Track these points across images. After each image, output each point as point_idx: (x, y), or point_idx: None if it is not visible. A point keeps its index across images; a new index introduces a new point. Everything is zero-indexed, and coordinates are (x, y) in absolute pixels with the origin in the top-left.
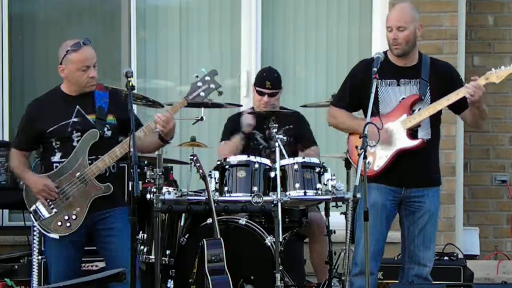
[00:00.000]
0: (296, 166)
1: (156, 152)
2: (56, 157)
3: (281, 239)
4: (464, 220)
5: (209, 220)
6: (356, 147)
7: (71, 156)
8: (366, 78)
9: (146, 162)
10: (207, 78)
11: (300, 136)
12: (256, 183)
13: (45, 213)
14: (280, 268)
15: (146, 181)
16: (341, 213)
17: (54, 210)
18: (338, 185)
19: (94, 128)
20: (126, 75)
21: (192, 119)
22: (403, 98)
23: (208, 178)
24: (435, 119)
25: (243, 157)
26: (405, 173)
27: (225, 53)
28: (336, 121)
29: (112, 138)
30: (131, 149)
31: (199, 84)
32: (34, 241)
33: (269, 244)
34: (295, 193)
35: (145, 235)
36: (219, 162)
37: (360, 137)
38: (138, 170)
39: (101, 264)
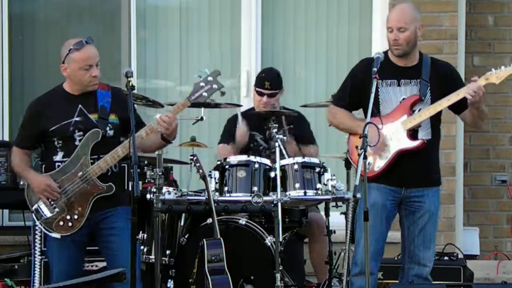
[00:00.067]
0: (296, 166)
1: (156, 152)
2: (58, 156)
3: (281, 239)
4: (464, 220)
5: (209, 220)
6: (356, 147)
7: (73, 156)
8: (367, 78)
9: (146, 162)
10: (210, 78)
11: (300, 135)
12: (256, 183)
13: (47, 212)
14: (280, 268)
15: (146, 181)
16: (341, 213)
17: (56, 209)
18: (338, 185)
19: (96, 127)
20: (126, 75)
21: (192, 119)
22: (403, 99)
23: (208, 178)
24: (435, 119)
25: (243, 157)
26: (405, 173)
27: (225, 53)
28: (336, 120)
29: (114, 138)
30: (131, 149)
31: (202, 84)
32: (36, 241)
33: (269, 244)
34: (295, 193)
35: (145, 235)
36: (219, 162)
37: (360, 137)
38: (138, 170)
39: (101, 264)
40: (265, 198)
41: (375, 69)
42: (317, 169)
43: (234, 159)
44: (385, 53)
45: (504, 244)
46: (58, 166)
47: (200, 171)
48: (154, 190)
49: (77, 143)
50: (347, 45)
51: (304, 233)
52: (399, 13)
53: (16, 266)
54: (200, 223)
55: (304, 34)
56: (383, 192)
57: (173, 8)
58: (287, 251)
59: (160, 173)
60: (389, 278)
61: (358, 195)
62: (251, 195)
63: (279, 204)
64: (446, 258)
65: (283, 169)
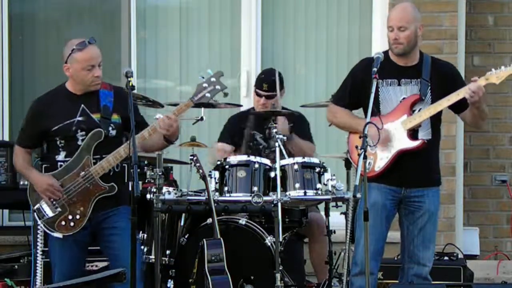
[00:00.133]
0: (296, 166)
1: (156, 152)
2: (61, 156)
3: (281, 239)
4: (464, 220)
5: (209, 220)
6: (356, 147)
7: (76, 155)
8: (367, 78)
9: (146, 162)
10: (213, 79)
11: (298, 133)
12: (256, 183)
13: (49, 212)
14: (280, 268)
15: (146, 181)
16: (341, 213)
17: (58, 209)
18: (338, 185)
19: (99, 127)
20: (126, 75)
21: (192, 119)
22: (403, 98)
23: (208, 178)
24: (436, 119)
25: (243, 157)
26: (405, 173)
27: (225, 53)
28: (336, 119)
29: (117, 138)
30: (131, 149)
31: (205, 85)
32: (38, 240)
33: (269, 244)
34: (295, 193)
35: (145, 235)
36: (219, 162)
37: (360, 137)
38: (138, 170)
39: (101, 264)
40: (265, 198)
41: (375, 69)
42: (317, 169)
43: (234, 159)
44: (386, 52)
45: (504, 244)
46: (60, 165)
47: (200, 171)
48: (154, 190)
49: (79, 142)
50: (347, 45)
51: (304, 233)
52: (399, 13)
53: (16, 266)
54: (200, 223)
55: (304, 34)
56: (383, 192)
57: (173, 8)
58: (287, 251)
59: (160, 173)
60: (389, 278)
61: (358, 195)
62: (251, 195)
63: (279, 204)
64: (446, 258)
65: (283, 169)
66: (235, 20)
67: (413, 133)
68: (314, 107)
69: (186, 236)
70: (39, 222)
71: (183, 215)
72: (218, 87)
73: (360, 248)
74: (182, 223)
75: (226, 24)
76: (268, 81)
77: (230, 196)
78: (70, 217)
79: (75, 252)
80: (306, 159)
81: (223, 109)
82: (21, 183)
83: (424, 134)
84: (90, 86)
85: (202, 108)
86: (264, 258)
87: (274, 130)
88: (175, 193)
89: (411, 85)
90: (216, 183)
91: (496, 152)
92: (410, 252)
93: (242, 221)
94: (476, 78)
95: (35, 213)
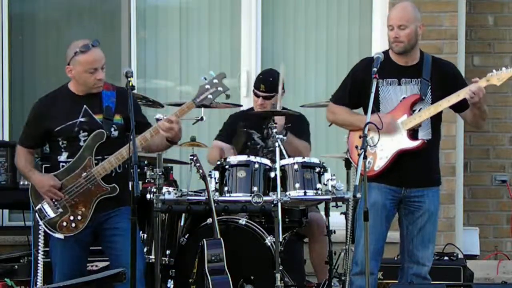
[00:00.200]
0: (296, 166)
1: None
2: (63, 157)
3: (281, 239)
4: (464, 220)
5: (209, 220)
6: (356, 147)
7: (78, 156)
8: (367, 78)
9: (146, 162)
10: (215, 81)
11: (295, 132)
12: (256, 183)
13: (50, 212)
14: (280, 268)
15: (146, 181)
16: (341, 213)
17: (60, 210)
18: (338, 185)
19: (101, 128)
20: (126, 75)
21: (192, 119)
22: (404, 98)
23: (208, 178)
24: (436, 119)
25: (243, 157)
26: (405, 173)
27: (225, 53)
28: (336, 118)
29: (119, 138)
30: (131, 149)
31: (207, 86)
32: (39, 241)
33: (269, 244)
34: (295, 193)
35: (145, 235)
36: (219, 162)
37: (360, 137)
38: (138, 170)
39: (101, 264)
40: (265, 198)
41: (375, 69)
42: (317, 169)
43: (234, 159)
44: (386, 52)
45: (504, 244)
46: (62, 166)
47: (200, 171)
48: (154, 190)
49: (81, 143)
50: (347, 45)
51: (304, 233)
52: (400, 11)
53: (16, 266)
54: (200, 223)
55: (304, 34)
56: (383, 192)
57: (173, 8)
58: (287, 251)
59: (160, 173)
60: (389, 278)
61: (358, 195)
62: (251, 195)
63: (279, 204)
64: (446, 258)
65: (283, 169)
66: (235, 20)
67: (413, 133)
68: (313, 107)
69: (186, 236)
70: (40, 222)
71: (183, 215)
72: (220, 88)
73: (360, 248)
74: (182, 223)
75: (226, 24)
76: (265, 82)
77: (230, 196)
78: (71, 218)
79: (77, 252)
80: (306, 159)
81: (223, 109)
82: (21, 183)
83: (424, 134)
84: (93, 88)
85: (202, 108)
86: (264, 258)
87: (274, 130)
88: (175, 193)
89: (412, 84)
90: (216, 183)
91: (496, 152)
92: (409, 252)
93: (242, 221)
94: (477, 79)
95: (36, 214)
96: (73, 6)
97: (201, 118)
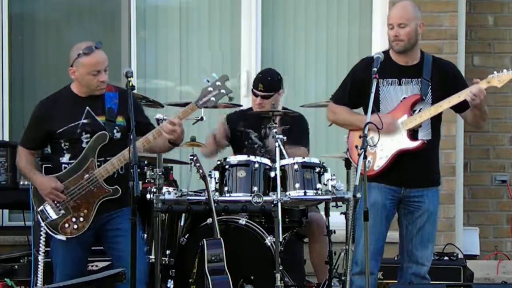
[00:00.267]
0: (296, 166)
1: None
2: (65, 158)
3: (281, 239)
4: (464, 220)
5: (209, 220)
6: (356, 146)
7: (80, 158)
8: (367, 77)
9: (146, 162)
10: (218, 83)
11: (291, 134)
12: (256, 183)
13: (52, 214)
14: (280, 268)
15: (146, 181)
16: (341, 213)
17: (62, 211)
18: (338, 185)
19: (103, 130)
20: (126, 75)
21: (192, 119)
22: (404, 98)
23: (208, 178)
24: (436, 119)
25: (243, 157)
26: (405, 173)
27: (225, 53)
28: (336, 117)
29: (121, 140)
30: (131, 149)
31: (210, 89)
32: (40, 241)
33: (269, 244)
34: (295, 193)
35: (145, 235)
36: (219, 162)
37: (360, 137)
38: (138, 170)
39: (101, 264)
40: (265, 198)
41: (375, 69)
42: (317, 169)
43: (234, 159)
44: (387, 52)
45: (504, 244)
46: (65, 167)
47: (200, 171)
48: (154, 190)
49: (84, 145)
50: (347, 45)
51: (304, 233)
52: (400, 10)
53: (16, 266)
54: (200, 223)
55: (304, 34)
56: (383, 192)
57: (173, 8)
58: (287, 251)
59: (160, 173)
60: (389, 278)
61: (358, 195)
62: (251, 195)
63: (279, 204)
64: (446, 258)
65: (283, 169)
66: (235, 20)
67: (413, 133)
68: (313, 107)
69: (186, 236)
70: (42, 224)
71: (183, 215)
72: (223, 91)
73: (360, 248)
74: (182, 223)
75: (226, 24)
76: (264, 81)
77: (230, 196)
78: (73, 219)
79: (78, 252)
80: (306, 159)
81: (223, 109)
82: (21, 183)
83: (424, 135)
84: (95, 90)
85: (202, 109)
86: (264, 258)
87: (274, 130)
88: (175, 193)
89: (412, 84)
90: (216, 183)
91: (496, 152)
92: (408, 252)
93: (242, 221)
94: (478, 80)
95: (38, 215)
96: (73, 6)
97: (201, 118)
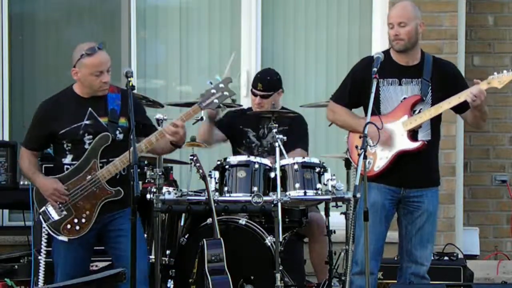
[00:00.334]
0: (296, 166)
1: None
2: (67, 159)
3: (281, 239)
4: (464, 220)
5: (209, 220)
6: (356, 147)
7: (83, 159)
8: (367, 77)
9: (146, 162)
10: (221, 85)
11: (290, 136)
12: (256, 183)
13: (54, 215)
14: (280, 268)
15: (146, 181)
16: (341, 213)
17: (64, 212)
18: (338, 185)
19: (106, 131)
20: (126, 75)
21: (192, 119)
22: (404, 98)
23: (208, 178)
24: (436, 119)
25: (243, 157)
26: (405, 174)
27: (225, 53)
28: (336, 118)
29: (124, 141)
30: (131, 149)
31: (213, 91)
32: (42, 242)
33: (269, 244)
34: (295, 193)
35: (145, 235)
36: (219, 162)
37: (360, 137)
38: (138, 170)
39: (101, 264)
40: (265, 198)
41: (375, 69)
42: (317, 169)
43: (234, 159)
44: (387, 52)
45: (504, 244)
46: (67, 169)
47: (200, 171)
48: (154, 190)
49: (86, 146)
50: (347, 45)
51: (304, 233)
52: (400, 10)
53: (16, 266)
54: (200, 223)
55: (304, 34)
56: (383, 192)
57: (173, 8)
58: (287, 251)
59: (160, 173)
60: (389, 278)
61: (358, 195)
62: (251, 195)
63: (279, 204)
64: (446, 258)
65: (283, 169)
66: (235, 20)
67: (413, 134)
68: (313, 107)
69: (186, 236)
70: (44, 225)
71: (183, 215)
72: (226, 93)
73: (360, 248)
74: (182, 223)
75: (226, 24)
76: (263, 81)
77: (230, 196)
78: (75, 220)
79: (80, 253)
80: (306, 159)
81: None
82: (21, 183)
83: (424, 135)
84: (98, 91)
85: None
86: (264, 258)
87: (274, 130)
88: (175, 193)
89: (412, 85)
90: (216, 183)
91: (496, 152)
92: (408, 251)
93: (242, 221)
94: (478, 81)
95: (40, 216)
96: (73, 6)
97: (201, 118)
